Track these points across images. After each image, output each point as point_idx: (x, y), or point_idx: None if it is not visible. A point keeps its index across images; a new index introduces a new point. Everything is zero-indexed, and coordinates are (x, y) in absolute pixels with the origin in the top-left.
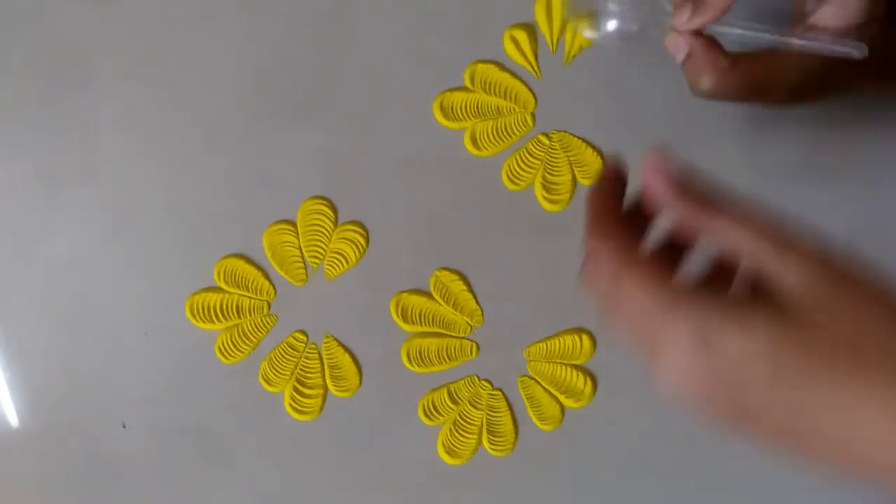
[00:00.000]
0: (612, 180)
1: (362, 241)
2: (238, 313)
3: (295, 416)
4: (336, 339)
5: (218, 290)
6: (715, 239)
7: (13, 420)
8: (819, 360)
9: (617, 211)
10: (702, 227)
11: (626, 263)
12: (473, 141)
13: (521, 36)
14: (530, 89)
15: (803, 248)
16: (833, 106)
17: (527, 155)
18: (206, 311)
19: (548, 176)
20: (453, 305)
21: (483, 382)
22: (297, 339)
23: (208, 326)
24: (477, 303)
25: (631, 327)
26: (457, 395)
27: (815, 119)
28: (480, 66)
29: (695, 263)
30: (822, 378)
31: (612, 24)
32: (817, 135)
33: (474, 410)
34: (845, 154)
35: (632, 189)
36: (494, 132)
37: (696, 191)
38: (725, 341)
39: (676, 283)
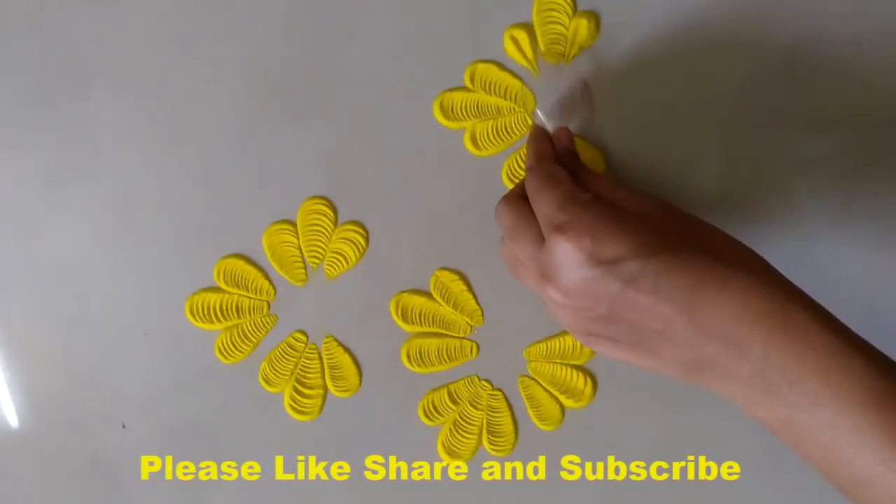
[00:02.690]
0: (544, 135)
1: (362, 241)
2: (238, 313)
3: (295, 416)
4: (336, 339)
5: (217, 290)
6: (583, 182)
7: (13, 420)
8: (670, 248)
9: (550, 150)
10: (576, 172)
11: (552, 174)
12: (473, 141)
13: (521, 36)
14: (530, 89)
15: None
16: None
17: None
18: (205, 311)
19: None
20: (453, 305)
21: (483, 382)
22: (296, 339)
23: (208, 326)
24: (477, 303)
25: (529, 247)
26: (457, 395)
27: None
28: (480, 66)
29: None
30: (673, 268)
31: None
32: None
33: (474, 410)
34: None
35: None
36: (494, 132)
37: (577, 158)
38: (606, 244)
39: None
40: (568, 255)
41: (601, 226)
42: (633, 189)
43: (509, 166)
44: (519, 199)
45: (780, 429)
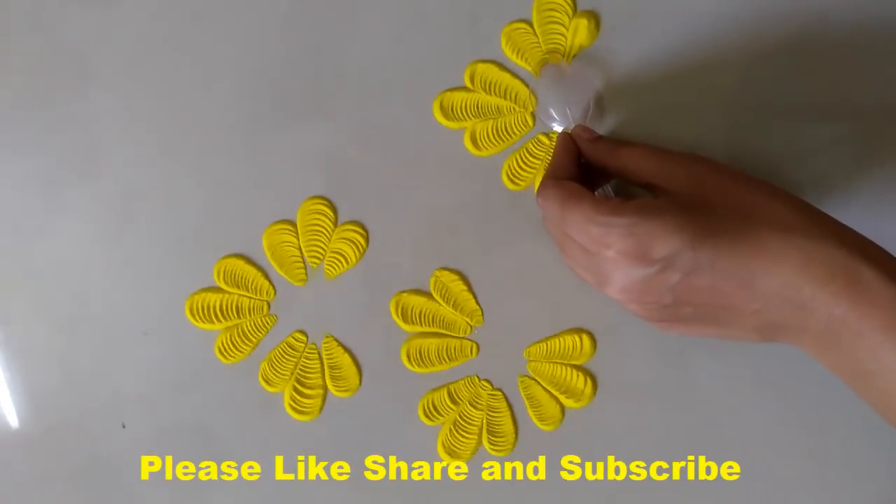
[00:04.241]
0: (571, 145)
1: (362, 241)
2: (238, 313)
3: (295, 416)
4: (336, 339)
5: (218, 289)
6: (618, 165)
7: (13, 420)
8: (719, 229)
9: (568, 168)
10: (610, 158)
11: (570, 195)
12: (473, 141)
13: (521, 36)
14: (532, 90)
15: (679, 154)
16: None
17: (527, 155)
18: (205, 311)
19: None
20: (453, 305)
21: (483, 382)
22: (296, 339)
23: (208, 326)
24: (477, 303)
25: (579, 257)
26: (457, 395)
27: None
28: (480, 65)
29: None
30: (726, 249)
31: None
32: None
33: (474, 410)
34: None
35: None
36: (494, 132)
37: (605, 139)
38: (653, 244)
39: (605, 204)
40: (615, 263)
41: (642, 225)
42: (670, 160)
43: (509, 166)
44: (560, 189)
45: (845, 374)
